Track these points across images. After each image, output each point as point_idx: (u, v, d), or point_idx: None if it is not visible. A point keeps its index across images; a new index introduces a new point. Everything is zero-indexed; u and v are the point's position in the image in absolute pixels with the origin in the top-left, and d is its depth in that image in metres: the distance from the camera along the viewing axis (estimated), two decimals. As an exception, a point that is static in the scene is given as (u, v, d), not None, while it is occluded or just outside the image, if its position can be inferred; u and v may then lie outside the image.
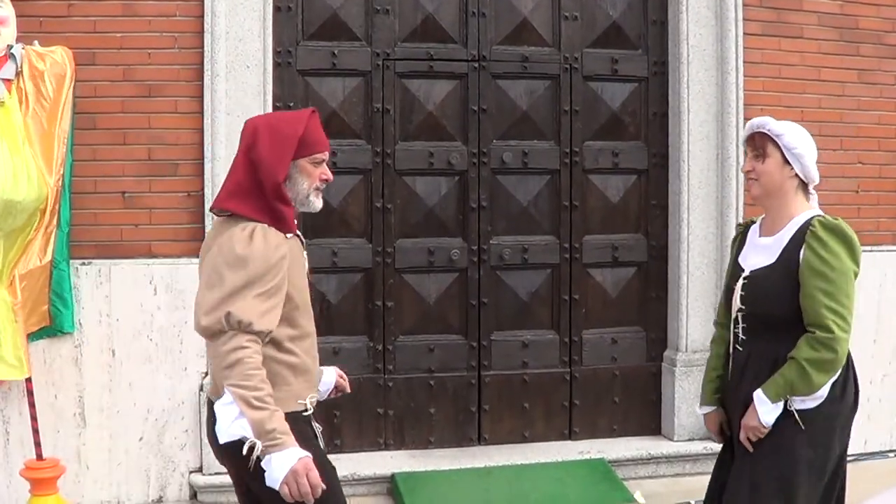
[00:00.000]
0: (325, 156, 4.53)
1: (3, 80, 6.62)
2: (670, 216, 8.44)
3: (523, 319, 8.41)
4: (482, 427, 8.31)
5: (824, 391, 4.55)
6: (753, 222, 5.00)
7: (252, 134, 4.35)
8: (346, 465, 7.70)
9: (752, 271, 4.75)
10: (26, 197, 6.49)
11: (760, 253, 4.76)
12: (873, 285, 8.74)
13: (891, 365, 8.87)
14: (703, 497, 5.25)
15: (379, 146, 8.04)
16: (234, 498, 7.42)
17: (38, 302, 6.97)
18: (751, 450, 4.73)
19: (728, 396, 4.94)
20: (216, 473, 7.44)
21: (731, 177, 8.23)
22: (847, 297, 4.49)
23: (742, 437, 4.68)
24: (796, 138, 4.75)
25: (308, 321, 4.43)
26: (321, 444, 4.59)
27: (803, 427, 4.58)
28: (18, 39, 6.76)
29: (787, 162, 4.73)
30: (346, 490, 7.64)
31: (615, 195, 8.52)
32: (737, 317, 4.80)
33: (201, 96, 7.47)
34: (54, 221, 6.90)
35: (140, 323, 7.44)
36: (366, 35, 8.04)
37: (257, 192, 4.27)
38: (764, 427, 4.59)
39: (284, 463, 3.96)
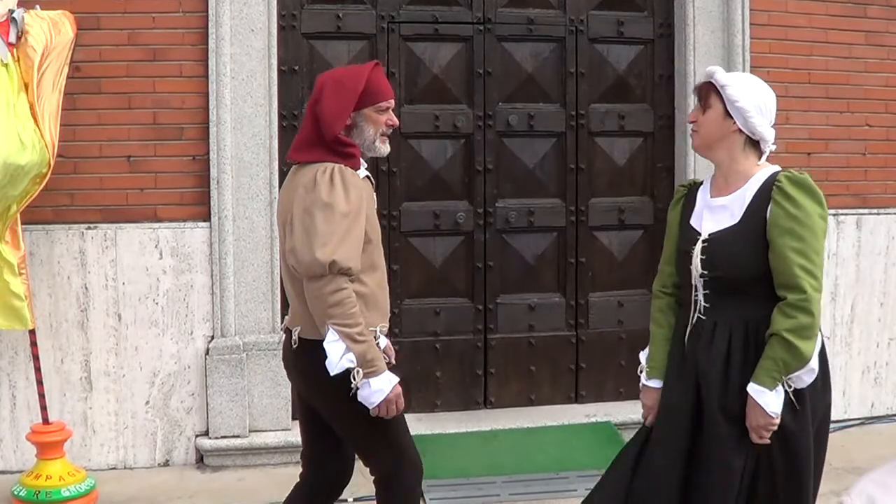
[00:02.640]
0: (390, 103, 4.90)
1: (6, 44, 6.59)
2: (676, 178, 8.41)
3: (529, 282, 8.41)
4: (488, 390, 8.32)
5: (815, 362, 4.26)
6: (698, 183, 4.70)
7: (319, 89, 4.75)
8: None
9: (711, 234, 4.42)
10: (29, 161, 6.47)
11: (717, 214, 4.45)
12: (881, 248, 8.73)
13: (897, 328, 8.87)
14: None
15: (384, 109, 8.02)
16: (240, 461, 7.51)
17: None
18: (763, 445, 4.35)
19: (682, 371, 4.54)
20: (222, 437, 7.48)
21: (737, 139, 8.20)
22: (817, 255, 4.22)
23: (754, 439, 4.28)
24: (742, 91, 4.36)
25: (379, 256, 4.84)
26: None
27: (798, 407, 4.30)
28: (20, 4, 6.73)
29: (729, 115, 4.38)
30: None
31: (621, 158, 8.51)
32: (696, 284, 4.46)
33: (206, 60, 7.45)
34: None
35: (146, 287, 7.45)
36: (371, -3, 8.03)
37: (321, 142, 4.66)
38: (774, 419, 4.22)
39: (381, 387, 4.54)
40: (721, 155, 4.44)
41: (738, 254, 4.31)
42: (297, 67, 7.85)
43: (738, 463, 4.30)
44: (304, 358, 4.74)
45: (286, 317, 4.99)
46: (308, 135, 4.72)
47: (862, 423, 8.69)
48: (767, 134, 4.42)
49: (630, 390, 8.45)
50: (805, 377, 4.25)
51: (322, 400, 4.81)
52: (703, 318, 4.45)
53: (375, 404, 4.54)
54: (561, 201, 8.40)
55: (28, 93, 6.68)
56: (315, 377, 4.64)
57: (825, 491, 6.97)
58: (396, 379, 4.63)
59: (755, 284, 4.28)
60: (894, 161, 8.80)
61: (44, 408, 6.90)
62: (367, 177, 4.83)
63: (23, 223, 6.81)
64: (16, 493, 6.75)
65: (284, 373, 7.58)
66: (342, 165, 4.57)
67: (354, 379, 4.48)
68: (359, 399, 4.54)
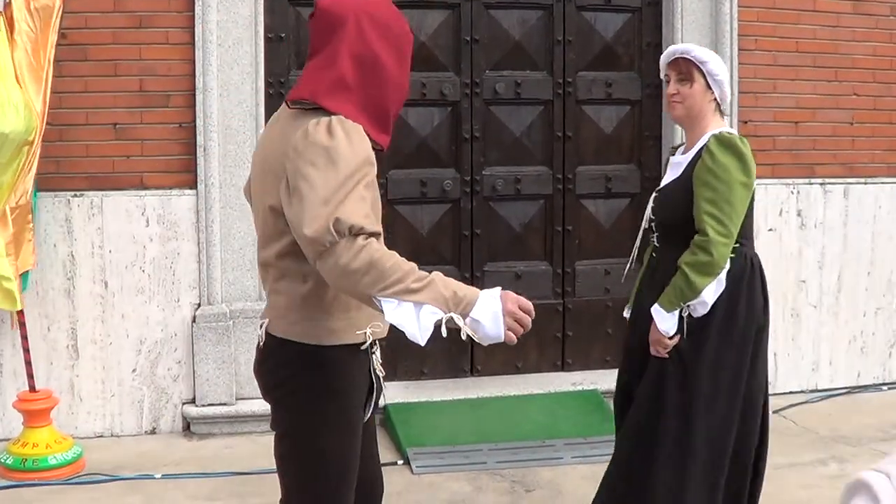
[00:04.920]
0: None
1: (-9, 11, 6.58)
2: (663, 147, 8.40)
3: (516, 250, 8.41)
4: (475, 358, 8.33)
5: (709, 298, 4.81)
6: (682, 145, 5.29)
7: (360, 27, 3.69)
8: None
9: (663, 185, 5.14)
10: (14, 129, 6.45)
11: (673, 169, 5.09)
12: (867, 217, 8.75)
13: (884, 298, 8.90)
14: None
15: (371, 77, 7.99)
16: (227, 428, 7.53)
17: (22, 239, 6.94)
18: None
19: (637, 302, 5.27)
20: (209, 405, 7.49)
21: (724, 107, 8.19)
22: (728, 205, 4.75)
23: (652, 351, 4.94)
24: (718, 65, 5.00)
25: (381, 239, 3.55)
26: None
27: (690, 333, 4.87)
28: (5, -30, 6.71)
29: (709, 87, 4.98)
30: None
31: (608, 126, 8.50)
32: (650, 226, 5.20)
33: (192, 27, 7.42)
34: (37, 154, 6.85)
35: (132, 254, 7.44)
36: (357, -36, 7.97)
37: (366, 94, 3.64)
38: (665, 337, 4.87)
39: (492, 309, 3.37)
40: (696, 122, 5.02)
41: (674, 203, 4.98)
42: (283, 35, 7.81)
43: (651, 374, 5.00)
44: (271, 360, 3.75)
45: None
46: (346, 76, 3.60)
47: (848, 393, 8.73)
48: (729, 97, 5.17)
49: (616, 358, 8.46)
50: (699, 308, 4.84)
51: (277, 419, 3.78)
52: (654, 256, 5.19)
53: (502, 333, 3.37)
54: (548, 169, 8.39)
55: (13, 59, 6.66)
56: (278, 389, 3.72)
57: (811, 459, 7.05)
58: (497, 289, 3.44)
59: (690, 230, 4.85)
60: (882, 130, 8.81)
61: (30, 375, 6.90)
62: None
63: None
64: (2, 460, 6.76)
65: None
66: (341, 116, 3.51)
67: (453, 326, 3.37)
68: (482, 343, 3.41)
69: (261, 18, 7.60)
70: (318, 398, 3.62)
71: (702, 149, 4.89)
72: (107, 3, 7.33)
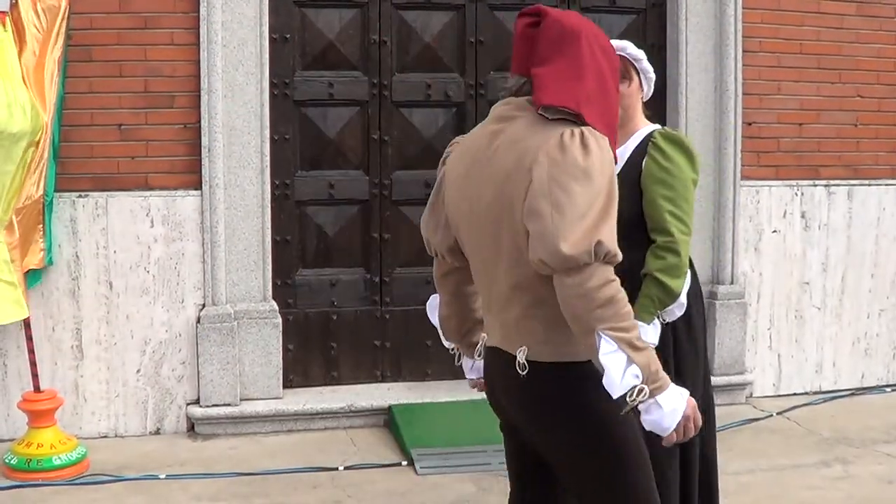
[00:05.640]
0: None
1: (-1, 11, 6.60)
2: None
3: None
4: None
5: (684, 299, 4.76)
6: None
7: (599, 45, 3.69)
8: (344, 397, 7.75)
9: None
10: (21, 128, 6.46)
11: None
12: (871, 220, 8.75)
13: (888, 300, 8.89)
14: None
15: (376, 78, 8.01)
16: (231, 429, 7.53)
17: (31, 239, 6.96)
18: None
19: None
20: (213, 405, 7.49)
21: (728, 109, 8.20)
22: (686, 203, 4.71)
23: None
24: (648, 64, 5.04)
25: None
26: None
27: (676, 330, 4.86)
28: (11, -28, 6.72)
29: (641, 85, 5.02)
30: (343, 422, 7.71)
31: (610, 127, 8.48)
32: None
33: (197, 28, 7.42)
34: (46, 155, 6.88)
35: (137, 255, 7.44)
36: (362, -34, 8.00)
37: (602, 110, 3.61)
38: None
39: (676, 404, 3.40)
40: (629, 119, 4.93)
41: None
42: (288, 35, 7.82)
43: None
44: (540, 386, 3.58)
45: (485, 333, 3.97)
46: (594, 91, 3.59)
47: (852, 394, 8.72)
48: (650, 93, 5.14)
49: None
50: (676, 310, 4.76)
51: (562, 440, 3.63)
52: None
53: (671, 428, 3.40)
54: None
55: (21, 59, 6.68)
56: (555, 410, 3.57)
57: (815, 461, 7.05)
58: (686, 391, 3.49)
59: (633, 230, 4.63)
60: (886, 132, 8.81)
61: (35, 376, 6.91)
62: None
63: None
64: (7, 461, 6.76)
65: (275, 341, 7.67)
66: (591, 127, 3.46)
67: (633, 399, 3.33)
68: (646, 427, 3.43)
69: (266, 19, 7.59)
70: (597, 403, 3.52)
71: (643, 146, 4.83)
72: (112, 4, 7.33)
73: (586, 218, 3.30)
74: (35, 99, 6.74)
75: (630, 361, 3.30)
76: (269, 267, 7.69)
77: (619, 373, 3.29)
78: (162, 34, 7.43)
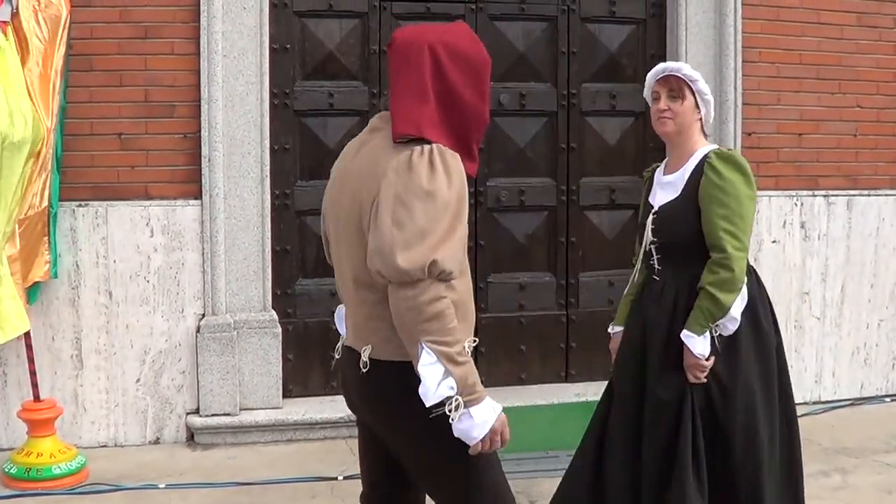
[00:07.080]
0: None
1: (0, 21, 6.59)
2: (668, 159, 8.42)
3: (520, 261, 8.42)
4: (479, 369, 8.26)
5: (737, 314, 4.84)
6: (658, 166, 5.32)
7: (435, 57, 3.80)
8: (343, 407, 7.60)
9: (660, 206, 5.08)
10: (23, 138, 6.46)
11: (666, 189, 5.09)
12: (871, 230, 8.76)
13: (887, 310, 8.90)
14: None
15: (376, 87, 8.01)
16: (230, 439, 7.52)
17: (36, 251, 6.97)
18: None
19: (636, 320, 5.26)
20: (213, 415, 7.49)
21: (728, 119, 8.22)
22: (741, 219, 4.82)
23: (691, 379, 4.88)
24: (705, 85, 5.07)
25: (465, 255, 3.78)
26: None
27: (720, 350, 4.87)
28: (12, -17, 6.73)
29: (697, 106, 5.05)
30: (343, 432, 7.70)
31: (612, 137, 8.52)
32: (650, 249, 5.12)
33: (198, 38, 7.44)
34: (49, 165, 6.89)
35: (137, 264, 7.44)
36: (363, -24, 8.01)
37: (451, 128, 3.78)
38: (702, 360, 4.84)
39: (486, 417, 3.65)
40: (684, 139, 5.06)
41: (678, 222, 4.98)
42: (288, 45, 7.83)
43: (665, 395, 4.93)
44: (379, 384, 3.81)
45: (345, 333, 4.17)
46: (435, 116, 3.75)
47: (851, 404, 8.73)
48: (712, 119, 5.19)
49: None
50: (729, 325, 4.86)
51: (404, 436, 3.88)
52: (657, 279, 5.13)
53: (478, 438, 3.62)
54: (552, 180, 8.41)
55: (24, 69, 6.70)
56: (396, 407, 3.78)
57: (814, 471, 7.04)
58: (500, 406, 3.76)
59: (694, 248, 4.90)
60: (885, 142, 8.82)
61: (35, 385, 6.91)
62: None
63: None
64: (6, 470, 6.76)
65: (275, 351, 7.68)
66: (441, 145, 3.65)
67: (451, 409, 3.57)
68: (455, 433, 3.62)
69: (266, 29, 7.61)
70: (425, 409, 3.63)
71: (700, 166, 4.93)
72: (112, 13, 7.34)
73: (426, 235, 3.51)
74: (38, 108, 6.75)
75: (447, 374, 3.55)
76: (269, 277, 7.69)
77: (434, 383, 3.54)
78: (162, 44, 7.44)
